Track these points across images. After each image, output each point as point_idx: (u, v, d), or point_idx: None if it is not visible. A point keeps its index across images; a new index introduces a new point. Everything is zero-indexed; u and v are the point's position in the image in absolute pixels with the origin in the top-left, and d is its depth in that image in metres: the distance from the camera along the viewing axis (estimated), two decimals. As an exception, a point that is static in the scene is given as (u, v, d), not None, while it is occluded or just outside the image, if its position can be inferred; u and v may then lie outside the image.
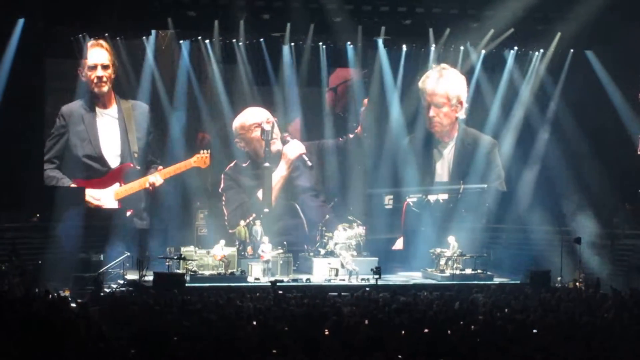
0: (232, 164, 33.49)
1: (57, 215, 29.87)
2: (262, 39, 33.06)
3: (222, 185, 33.49)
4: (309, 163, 33.54)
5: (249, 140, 33.52)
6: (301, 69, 33.62)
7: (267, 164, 33.37)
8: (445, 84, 34.42)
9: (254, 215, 32.14)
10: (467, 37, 33.67)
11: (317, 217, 33.40)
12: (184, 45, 32.69)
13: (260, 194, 33.50)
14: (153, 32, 32.48)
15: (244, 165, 33.45)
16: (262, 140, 33.20)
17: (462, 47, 34.19)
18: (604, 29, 31.58)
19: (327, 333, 16.65)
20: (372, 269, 26.14)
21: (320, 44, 33.57)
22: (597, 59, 33.33)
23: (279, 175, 33.62)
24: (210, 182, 33.37)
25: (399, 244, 33.73)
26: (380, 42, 33.71)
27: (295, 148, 33.61)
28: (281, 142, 33.65)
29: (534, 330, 17.47)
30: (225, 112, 33.23)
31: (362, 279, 28.60)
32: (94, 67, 32.35)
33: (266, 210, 32.57)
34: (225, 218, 33.00)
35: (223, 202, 33.43)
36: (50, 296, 21.43)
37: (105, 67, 32.43)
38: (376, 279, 25.69)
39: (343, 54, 33.85)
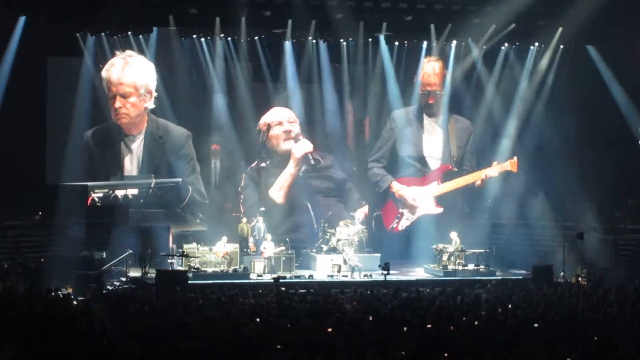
0: (253, 164, 33.90)
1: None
2: (263, 36, 33.09)
3: (242, 184, 33.81)
4: (312, 161, 33.70)
5: (269, 138, 33.85)
6: (302, 65, 33.66)
7: (263, 164, 33.70)
8: (131, 72, 32.57)
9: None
10: (469, 32, 33.65)
11: (326, 216, 33.41)
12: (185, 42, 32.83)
13: (271, 192, 33.71)
14: (155, 29, 32.54)
15: (262, 165, 33.63)
16: (259, 141, 33.77)
17: (463, 43, 34.20)
18: (605, 23, 31.56)
19: (330, 330, 16.64)
20: (380, 265, 26.09)
21: (322, 40, 33.58)
22: (598, 53, 33.32)
23: (287, 173, 33.79)
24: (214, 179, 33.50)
25: None
26: (381, 38, 33.71)
27: (302, 147, 33.72)
28: (294, 141, 33.80)
29: (536, 325, 17.47)
30: (228, 111, 33.31)
31: (365, 275, 28.60)
32: (427, 93, 34.66)
33: (262, 208, 32.63)
34: (241, 216, 32.96)
35: (241, 201, 33.70)
36: (53, 294, 21.44)
37: (436, 92, 34.69)
38: (385, 275, 25.65)
39: (344, 51, 33.87)
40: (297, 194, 34.00)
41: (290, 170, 33.85)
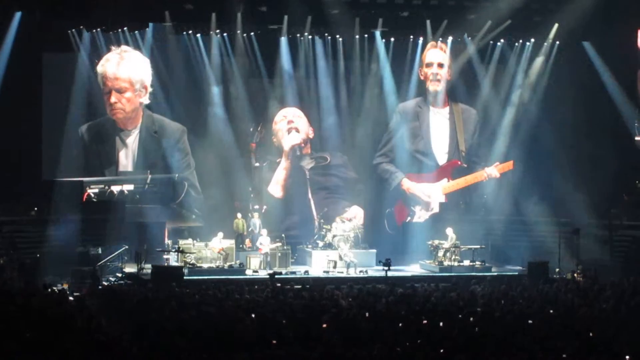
0: (265, 163, 34.03)
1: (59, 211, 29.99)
2: (259, 32, 33.08)
3: (254, 182, 34.05)
4: (298, 152, 33.78)
5: (276, 133, 34.08)
6: (298, 61, 33.65)
7: (257, 164, 33.80)
8: (126, 67, 32.70)
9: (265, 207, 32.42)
10: (464, 28, 33.67)
11: (328, 212, 33.35)
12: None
13: (270, 187, 33.88)
14: (151, 25, 32.53)
15: (256, 164, 33.75)
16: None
17: (459, 39, 34.21)
18: (600, 19, 31.57)
19: (325, 325, 16.64)
20: (380, 261, 26.08)
21: (318, 36, 33.58)
22: (594, 49, 33.34)
23: (281, 167, 33.93)
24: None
25: None
26: (377, 34, 33.71)
27: (290, 139, 33.80)
28: (288, 134, 34.05)
29: (531, 322, 17.47)
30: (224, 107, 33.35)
31: (361, 271, 28.63)
32: (431, 65, 34.52)
33: (256, 206, 32.65)
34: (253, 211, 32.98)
35: (251, 197, 33.75)
36: (49, 290, 21.43)
37: (441, 65, 34.34)
38: (386, 271, 25.66)
39: (340, 47, 33.87)
40: (299, 190, 34.07)
41: (283, 164, 33.97)
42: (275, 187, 33.86)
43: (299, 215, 33.88)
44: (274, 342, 15.10)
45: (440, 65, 34.42)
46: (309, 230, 33.20)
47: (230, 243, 29.78)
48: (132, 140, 33.01)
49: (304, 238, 32.47)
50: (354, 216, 33.18)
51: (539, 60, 34.62)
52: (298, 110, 34.13)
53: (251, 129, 33.74)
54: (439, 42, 34.18)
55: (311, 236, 32.62)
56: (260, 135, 33.78)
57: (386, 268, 25.43)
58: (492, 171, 34.20)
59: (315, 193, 34.27)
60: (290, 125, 33.94)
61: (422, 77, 34.66)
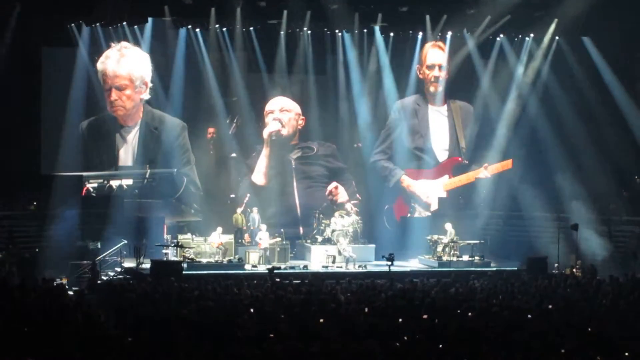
0: (254, 153, 34.04)
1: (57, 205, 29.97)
2: (258, 26, 33.07)
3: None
4: (273, 137, 33.77)
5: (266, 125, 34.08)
6: (298, 56, 33.64)
7: (233, 155, 33.81)
8: (126, 64, 32.64)
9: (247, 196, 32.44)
10: (464, 23, 33.65)
11: (311, 201, 33.48)
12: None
13: (253, 176, 33.88)
14: (150, 20, 32.51)
15: (232, 155, 33.74)
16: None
17: (458, 34, 34.19)
18: (600, 14, 31.54)
19: (324, 320, 16.63)
20: (383, 256, 26.06)
21: (317, 31, 33.56)
22: (593, 44, 33.32)
23: (263, 155, 33.98)
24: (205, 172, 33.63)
25: None
26: (377, 29, 33.69)
27: (268, 127, 33.86)
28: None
29: (529, 317, 17.49)
30: (221, 100, 33.34)
31: (360, 266, 28.63)
32: (432, 67, 34.47)
33: (232, 195, 32.89)
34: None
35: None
36: (48, 284, 21.44)
37: (441, 67, 34.43)
38: (389, 266, 25.64)
39: (339, 41, 33.87)
40: (283, 179, 34.13)
41: (263, 151, 33.98)
42: (258, 176, 33.89)
43: (282, 204, 33.87)
44: (273, 336, 15.11)
45: (441, 68, 34.43)
46: (291, 218, 33.39)
47: (229, 238, 29.80)
48: (132, 136, 33.04)
49: (286, 226, 32.28)
50: (335, 187, 33.67)
51: (539, 56, 34.60)
52: (287, 102, 34.05)
53: (227, 121, 33.72)
54: (437, 40, 34.16)
55: (294, 224, 32.86)
56: (236, 126, 33.79)
57: (389, 263, 25.42)
58: (483, 174, 34.40)
59: (299, 182, 34.32)
60: (274, 116, 33.91)
61: (421, 77, 34.62)
